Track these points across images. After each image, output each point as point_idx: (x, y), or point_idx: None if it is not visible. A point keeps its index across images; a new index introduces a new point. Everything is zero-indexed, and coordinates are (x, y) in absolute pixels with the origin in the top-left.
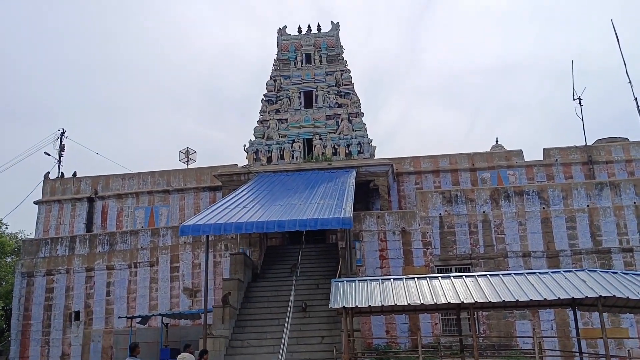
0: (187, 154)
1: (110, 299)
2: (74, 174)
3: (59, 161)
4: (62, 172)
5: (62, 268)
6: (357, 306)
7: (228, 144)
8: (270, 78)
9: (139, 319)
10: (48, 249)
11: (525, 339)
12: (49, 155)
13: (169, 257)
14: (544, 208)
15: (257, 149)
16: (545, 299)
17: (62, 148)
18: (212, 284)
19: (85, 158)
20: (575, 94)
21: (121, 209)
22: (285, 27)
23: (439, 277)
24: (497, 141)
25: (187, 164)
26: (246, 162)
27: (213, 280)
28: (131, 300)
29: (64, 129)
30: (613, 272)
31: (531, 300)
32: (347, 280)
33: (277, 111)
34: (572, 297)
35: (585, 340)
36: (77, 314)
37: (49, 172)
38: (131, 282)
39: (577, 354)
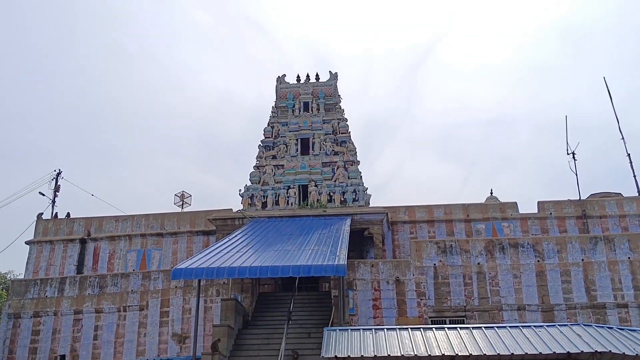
0: (183, 198)
1: (98, 343)
2: (68, 215)
3: (54, 201)
4: (56, 213)
5: (50, 310)
6: (349, 356)
7: (223, 190)
8: (268, 124)
9: None
10: (37, 290)
11: None
12: (43, 195)
13: (159, 301)
14: (538, 261)
15: (252, 194)
16: (540, 352)
17: (57, 188)
18: (202, 330)
19: (80, 199)
20: (569, 148)
21: (113, 251)
22: (284, 75)
23: (433, 329)
24: (491, 193)
25: (182, 208)
26: (241, 206)
27: (203, 327)
28: (119, 345)
29: (60, 170)
30: (609, 328)
31: (526, 354)
32: (339, 330)
33: (274, 157)
34: (568, 352)
35: None
36: (63, 357)
37: (42, 213)
38: (119, 326)
39: None
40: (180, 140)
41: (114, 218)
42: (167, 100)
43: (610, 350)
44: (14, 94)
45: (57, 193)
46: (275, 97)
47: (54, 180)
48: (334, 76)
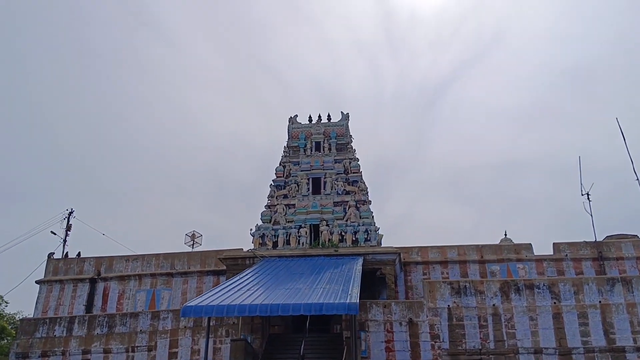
0: (193, 237)
1: None
2: (78, 254)
3: (65, 240)
4: (66, 252)
5: (58, 349)
6: None
7: (233, 231)
8: (280, 164)
9: None
10: (45, 329)
11: None
12: (55, 234)
13: (168, 341)
14: (555, 303)
15: (263, 234)
16: None
17: (68, 227)
18: None
19: (91, 239)
20: (583, 189)
21: (123, 291)
22: (296, 115)
23: None
24: (505, 234)
25: (193, 247)
26: (252, 246)
27: None
28: None
29: (72, 209)
30: None
31: None
32: None
33: (285, 196)
34: None
35: None
36: None
37: (53, 252)
38: None
39: None
40: (191, 182)
41: (124, 258)
42: (178, 142)
43: None
44: (27, 135)
45: (68, 232)
46: (287, 137)
47: (66, 219)
48: (345, 116)
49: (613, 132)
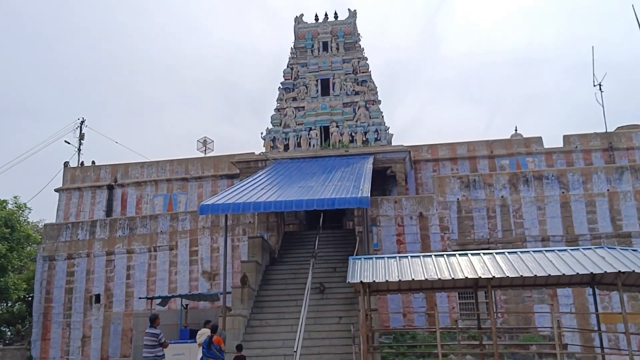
0: (205, 143)
1: (130, 282)
2: (93, 163)
3: (79, 149)
4: (82, 161)
5: (83, 252)
6: (374, 281)
7: (243, 139)
8: (288, 66)
9: (159, 301)
10: (69, 233)
11: (544, 323)
12: (69, 143)
13: (188, 241)
14: (563, 192)
15: (274, 137)
16: (563, 274)
17: (81, 137)
18: (231, 268)
19: (104, 148)
20: (595, 80)
21: (140, 196)
22: (302, 15)
23: (457, 255)
24: (515, 130)
25: (205, 153)
26: (263, 150)
27: (231, 264)
28: (151, 283)
29: (83, 118)
30: (633, 250)
31: (550, 275)
32: (364, 258)
33: (294, 99)
34: (591, 273)
35: (604, 324)
36: (98, 297)
37: (68, 161)
38: (151, 266)
39: (597, 332)
40: (200, 92)
41: (139, 164)
42: (184, 52)
43: (633, 270)
44: (28, 50)
45: (82, 141)
46: (293, 38)
47: (78, 128)
48: (352, 14)
49: (629, 23)
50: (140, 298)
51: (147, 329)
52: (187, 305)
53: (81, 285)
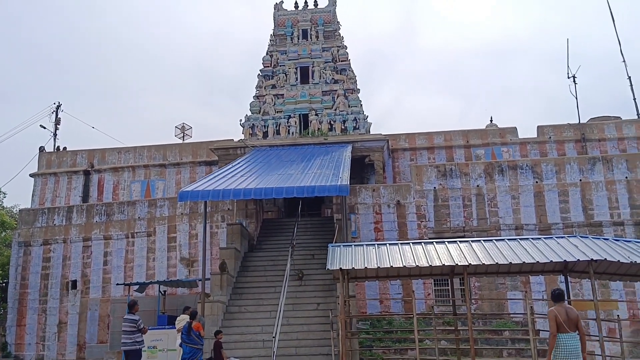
0: (183, 130)
1: (108, 268)
2: (64, 149)
3: (55, 134)
4: (58, 146)
5: (59, 238)
6: (353, 268)
7: (222, 125)
8: (267, 53)
9: (136, 287)
10: (45, 219)
11: (517, 310)
12: (44, 128)
13: (166, 227)
14: (537, 182)
15: (253, 124)
16: (537, 261)
17: (57, 121)
18: (209, 255)
19: (80, 133)
20: (570, 71)
21: (117, 182)
22: (282, 2)
23: (434, 243)
24: (491, 120)
25: (183, 139)
26: (242, 137)
27: (210, 251)
28: (128, 269)
29: (59, 102)
30: (605, 239)
31: (524, 263)
32: (343, 245)
33: (274, 86)
34: (565, 261)
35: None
36: (74, 282)
37: (44, 146)
38: (128, 252)
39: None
40: (178, 78)
41: (116, 150)
42: (162, 36)
43: (605, 259)
44: (12, 31)
45: (57, 126)
46: (273, 25)
47: (54, 113)
48: (332, 2)
49: (604, 16)
50: (117, 284)
51: (126, 315)
52: (165, 291)
53: (57, 271)
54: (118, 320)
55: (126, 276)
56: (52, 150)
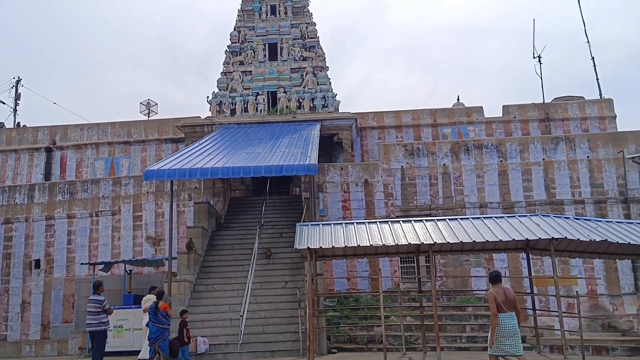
0: (149, 106)
1: (72, 248)
2: (24, 126)
3: (15, 110)
4: (19, 122)
5: (21, 216)
6: (321, 247)
7: (188, 102)
8: (234, 29)
9: (101, 266)
10: (6, 197)
11: (480, 286)
12: (4, 103)
13: (132, 206)
14: (501, 161)
15: (220, 101)
16: (500, 240)
17: (17, 96)
18: (176, 234)
19: (42, 109)
20: (535, 51)
21: (80, 159)
22: None
23: (400, 222)
24: (458, 99)
25: (149, 116)
26: (209, 115)
27: (177, 230)
28: (93, 248)
29: (19, 77)
30: (565, 218)
31: (487, 241)
32: (311, 224)
33: (241, 63)
34: (526, 239)
35: (536, 287)
36: (38, 262)
37: (3, 122)
38: (93, 231)
39: (529, 295)
40: (142, 50)
41: (79, 126)
42: (126, 8)
43: (565, 237)
44: None
45: (17, 102)
46: (240, 0)
47: (14, 88)
48: None
49: None
50: (82, 264)
51: (91, 295)
52: (130, 270)
53: (20, 251)
54: (83, 300)
55: (91, 255)
56: (12, 127)
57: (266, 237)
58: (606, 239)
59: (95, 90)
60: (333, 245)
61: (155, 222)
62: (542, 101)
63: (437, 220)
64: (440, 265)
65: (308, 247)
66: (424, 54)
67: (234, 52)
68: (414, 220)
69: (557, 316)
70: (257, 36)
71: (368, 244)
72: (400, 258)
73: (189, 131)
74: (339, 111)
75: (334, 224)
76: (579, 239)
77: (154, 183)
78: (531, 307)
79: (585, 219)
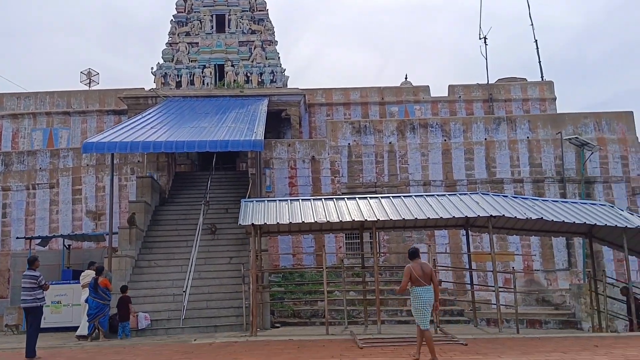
0: (89, 75)
1: (7, 221)
2: None
3: None
4: None
5: None
6: (265, 223)
7: (132, 72)
8: None
9: (38, 240)
10: None
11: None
12: None
13: (71, 179)
14: (445, 140)
15: (165, 73)
16: (441, 217)
17: None
18: (118, 208)
19: None
20: (481, 33)
21: (17, 129)
22: None
23: (345, 199)
24: (406, 78)
25: (90, 86)
26: (154, 86)
27: (118, 204)
28: (30, 222)
29: None
30: (504, 196)
31: (429, 218)
32: (256, 200)
33: (188, 34)
34: (466, 217)
35: (475, 262)
36: None
37: None
38: (29, 204)
39: (468, 270)
40: (84, 17)
41: (15, 95)
42: None
43: (503, 215)
44: None
45: None
46: None
47: None
48: None
49: None
50: (18, 238)
51: (26, 271)
52: (70, 245)
53: None
54: (18, 275)
55: (27, 229)
56: None
57: (212, 212)
58: (542, 217)
59: (33, 57)
60: (278, 221)
61: (96, 196)
62: (486, 82)
63: (381, 197)
64: (384, 242)
65: (252, 223)
66: (375, 31)
67: (180, 22)
68: (359, 198)
69: (494, 291)
70: (204, 6)
71: (312, 221)
72: (345, 234)
73: (132, 103)
74: (288, 87)
75: (279, 200)
76: (516, 217)
77: (95, 156)
78: (469, 282)
79: (522, 198)
